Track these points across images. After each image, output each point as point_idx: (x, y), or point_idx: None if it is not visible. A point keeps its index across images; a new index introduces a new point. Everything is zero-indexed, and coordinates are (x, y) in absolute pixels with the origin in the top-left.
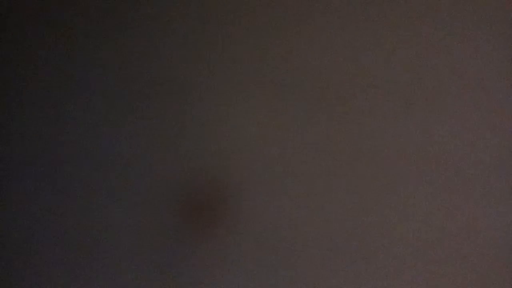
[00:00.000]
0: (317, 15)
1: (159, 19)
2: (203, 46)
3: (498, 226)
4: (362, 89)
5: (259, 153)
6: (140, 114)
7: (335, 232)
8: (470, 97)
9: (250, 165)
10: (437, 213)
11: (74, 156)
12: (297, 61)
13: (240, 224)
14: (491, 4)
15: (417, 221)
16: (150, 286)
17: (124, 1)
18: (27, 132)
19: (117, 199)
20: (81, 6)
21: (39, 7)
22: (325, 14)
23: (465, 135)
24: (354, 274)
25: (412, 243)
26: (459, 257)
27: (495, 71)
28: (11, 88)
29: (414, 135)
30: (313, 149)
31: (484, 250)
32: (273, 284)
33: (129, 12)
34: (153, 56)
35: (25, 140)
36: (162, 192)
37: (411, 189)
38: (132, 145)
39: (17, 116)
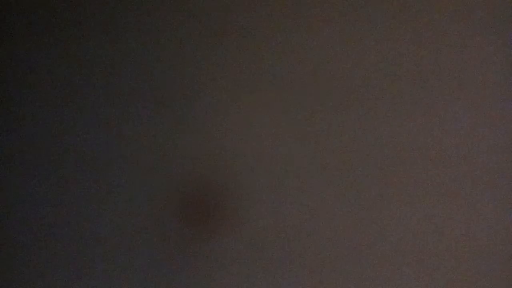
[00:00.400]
0: (317, 15)
1: (159, 19)
2: (203, 46)
3: (498, 226)
4: (362, 89)
5: (260, 153)
6: (140, 114)
7: (335, 232)
8: (470, 97)
9: (251, 165)
10: (437, 213)
11: (74, 156)
12: (297, 61)
13: (240, 224)
14: (491, 4)
15: (417, 221)
16: (150, 286)
17: (124, 1)
18: (27, 132)
19: (117, 199)
20: (81, 6)
21: (39, 7)
22: (325, 14)
23: (465, 135)
24: (354, 274)
25: (412, 243)
26: (459, 257)
27: (495, 71)
28: (11, 88)
29: (415, 135)
30: (313, 149)
31: (484, 250)
32: (273, 284)
33: (130, 12)
34: (153, 56)
35: (25, 140)
36: (162, 192)
37: (411, 189)
38: (132, 145)
39: (17, 116)
